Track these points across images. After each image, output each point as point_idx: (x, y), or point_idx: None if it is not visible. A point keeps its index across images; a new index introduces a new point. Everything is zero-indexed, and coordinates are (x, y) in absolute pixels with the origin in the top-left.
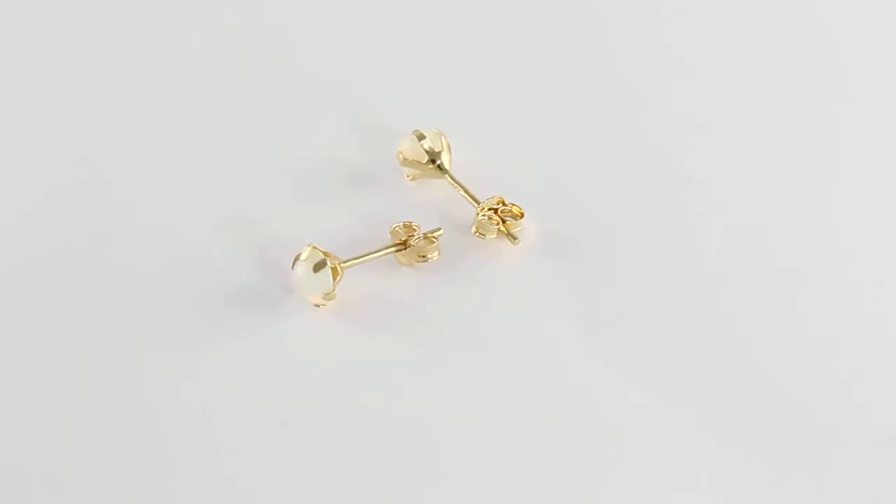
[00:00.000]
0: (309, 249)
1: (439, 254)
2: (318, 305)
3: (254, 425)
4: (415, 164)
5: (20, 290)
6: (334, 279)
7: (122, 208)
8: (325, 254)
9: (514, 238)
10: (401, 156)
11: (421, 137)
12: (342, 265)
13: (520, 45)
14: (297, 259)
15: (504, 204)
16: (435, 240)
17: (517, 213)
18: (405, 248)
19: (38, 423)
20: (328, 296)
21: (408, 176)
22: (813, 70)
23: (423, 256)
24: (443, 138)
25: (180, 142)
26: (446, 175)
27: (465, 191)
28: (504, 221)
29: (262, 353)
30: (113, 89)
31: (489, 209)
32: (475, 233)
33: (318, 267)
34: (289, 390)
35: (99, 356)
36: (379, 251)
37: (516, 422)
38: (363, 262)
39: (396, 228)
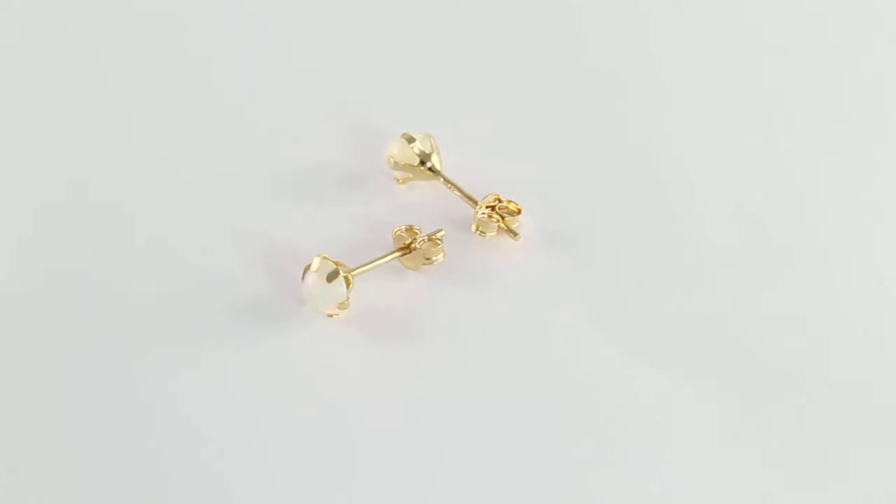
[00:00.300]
0: (319, 260)
1: (444, 256)
2: (331, 315)
3: (273, 434)
4: (406, 167)
5: (31, 303)
6: (347, 288)
7: (122, 220)
8: (336, 263)
9: (515, 234)
10: (391, 160)
11: (411, 140)
12: (352, 273)
13: (502, 47)
14: (307, 270)
15: (500, 201)
16: (440, 241)
17: (514, 209)
18: (410, 252)
19: (51, 432)
20: (342, 305)
21: (398, 179)
22: (811, 70)
23: (428, 259)
24: (431, 140)
25: (170, 146)
26: (439, 176)
27: (461, 190)
28: (503, 218)
29: (276, 365)
30: (103, 92)
31: (487, 207)
32: (476, 231)
33: (332, 277)
34: (308, 400)
35: (106, 365)
36: (386, 256)
37: (544, 417)
38: (371, 268)
39: (398, 232)
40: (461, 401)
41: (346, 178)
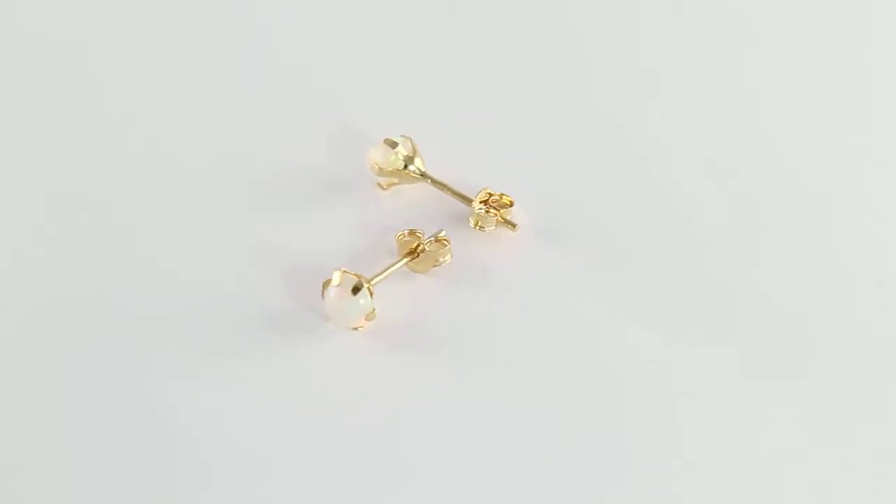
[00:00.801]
0: (339, 274)
1: (451, 256)
2: (355, 328)
3: (295, 445)
4: (392, 172)
5: (57, 318)
6: (371, 298)
7: (113, 232)
8: (357, 275)
9: (514, 225)
10: (376, 166)
11: (393, 145)
12: (371, 283)
13: (468, 46)
14: (326, 286)
15: (492, 195)
16: (447, 242)
17: (507, 202)
18: (418, 256)
19: (73, 444)
20: (370, 316)
21: (381, 185)
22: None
23: (436, 261)
24: (412, 142)
25: (153, 152)
26: (426, 178)
27: (451, 189)
28: (498, 211)
29: (295, 378)
30: (83, 97)
31: (481, 202)
32: (475, 226)
33: (356, 290)
34: (333, 414)
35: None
36: (398, 262)
37: (578, 413)
38: (387, 276)
39: (402, 236)
40: (495, 405)
41: (328, 185)
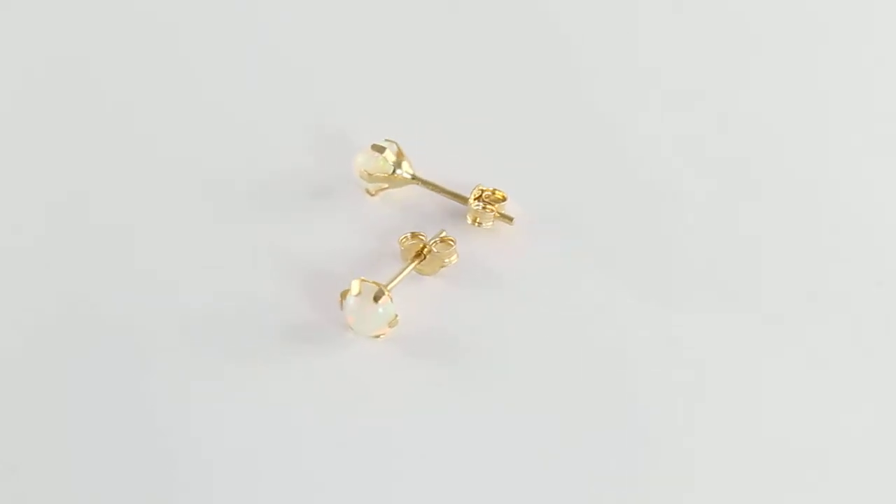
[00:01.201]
0: (358, 283)
1: (458, 256)
2: (377, 336)
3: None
4: (381, 178)
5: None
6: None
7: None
8: (375, 283)
9: (510, 218)
10: (365, 173)
11: (381, 150)
12: (388, 289)
13: (448, 47)
14: (345, 296)
15: (484, 191)
16: (453, 242)
17: (500, 196)
18: (425, 258)
19: (95, 448)
20: (392, 322)
21: (370, 192)
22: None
23: (443, 262)
24: (397, 146)
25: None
26: (417, 180)
27: (442, 189)
28: (494, 206)
29: (321, 389)
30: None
31: (475, 199)
32: (474, 223)
33: (378, 297)
34: (365, 425)
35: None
36: (409, 266)
37: (605, 408)
38: (400, 280)
39: (405, 240)
40: (525, 406)
41: (315, 190)
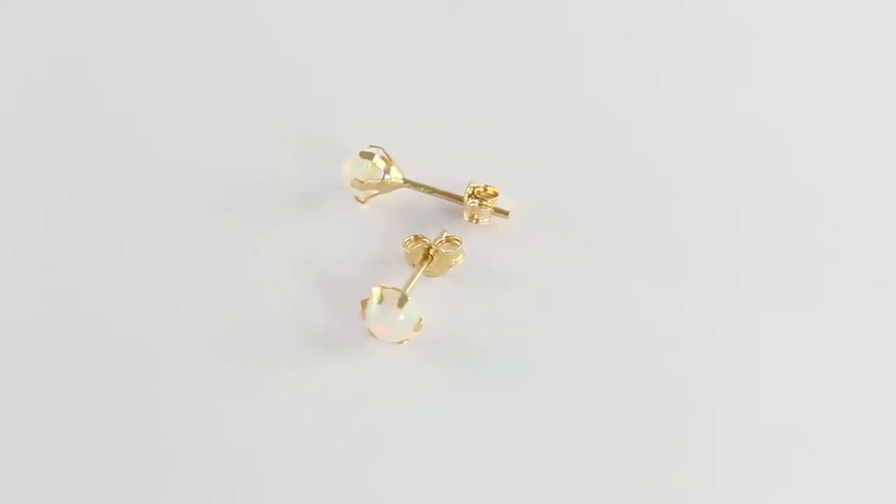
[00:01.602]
0: (379, 290)
1: (464, 256)
2: (401, 342)
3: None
4: (372, 185)
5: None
6: None
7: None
8: (395, 289)
9: (506, 213)
10: (356, 181)
11: (369, 157)
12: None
13: (424, 48)
14: (366, 304)
15: (476, 187)
16: (458, 242)
17: (492, 192)
18: (433, 259)
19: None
20: (417, 326)
21: (360, 199)
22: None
23: (451, 262)
24: (384, 151)
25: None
26: (408, 184)
27: (434, 189)
28: (488, 201)
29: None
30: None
31: (469, 196)
32: (472, 220)
33: (402, 302)
34: (391, 434)
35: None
36: (419, 269)
37: (634, 400)
38: (414, 284)
39: (409, 243)
40: (548, 405)
41: (303, 196)
